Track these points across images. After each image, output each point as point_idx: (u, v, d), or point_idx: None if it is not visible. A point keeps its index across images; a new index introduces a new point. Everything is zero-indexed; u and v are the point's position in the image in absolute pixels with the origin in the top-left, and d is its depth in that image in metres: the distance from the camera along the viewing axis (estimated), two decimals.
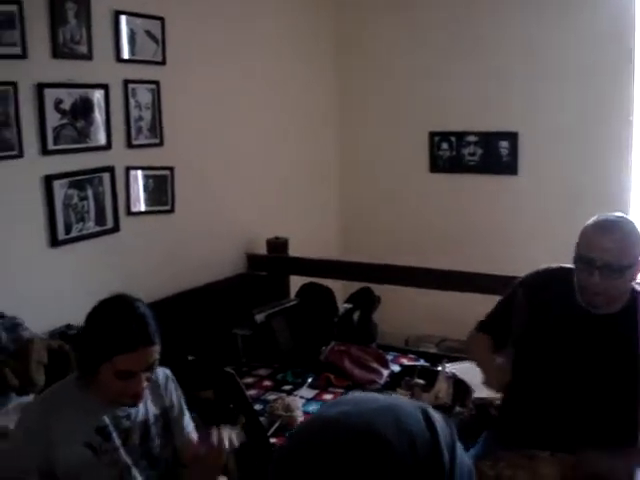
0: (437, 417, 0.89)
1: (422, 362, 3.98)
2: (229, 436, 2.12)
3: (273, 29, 4.76)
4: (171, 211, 4.06)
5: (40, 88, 3.25)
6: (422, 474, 0.82)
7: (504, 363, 2.52)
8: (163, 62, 3.91)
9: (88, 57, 3.47)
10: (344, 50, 5.42)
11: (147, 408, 2.17)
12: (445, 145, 5.18)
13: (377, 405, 0.90)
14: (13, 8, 3.08)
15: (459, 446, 0.88)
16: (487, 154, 5.03)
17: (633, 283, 2.44)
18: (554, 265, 2.61)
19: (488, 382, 2.56)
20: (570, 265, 2.46)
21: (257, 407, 3.34)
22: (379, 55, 5.31)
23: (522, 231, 4.84)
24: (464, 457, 0.88)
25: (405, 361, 4.04)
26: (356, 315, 4.32)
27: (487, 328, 2.72)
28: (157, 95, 3.90)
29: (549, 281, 2.56)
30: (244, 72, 4.52)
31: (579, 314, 2.43)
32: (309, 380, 3.77)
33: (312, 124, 5.28)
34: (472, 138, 5.07)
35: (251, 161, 4.65)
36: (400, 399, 0.94)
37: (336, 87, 5.48)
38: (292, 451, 0.88)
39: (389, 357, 4.04)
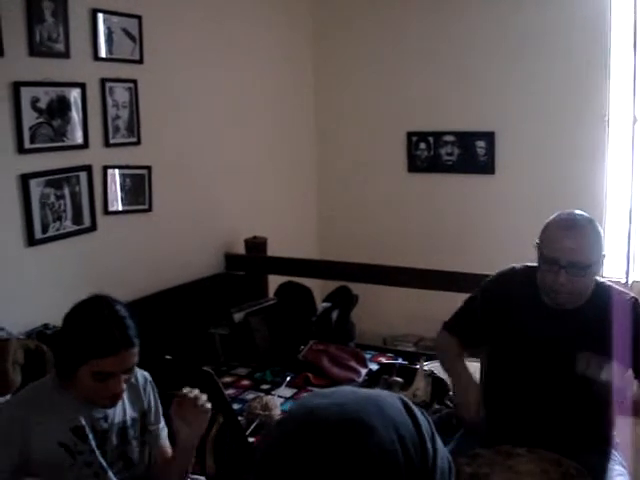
0: (416, 409, 0.90)
1: (400, 360, 3.99)
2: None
3: (251, 28, 4.76)
4: (149, 210, 4.04)
5: (16, 87, 3.23)
6: (410, 463, 0.82)
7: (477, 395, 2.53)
8: (140, 61, 3.89)
9: (65, 55, 3.45)
10: (321, 51, 5.43)
11: (125, 410, 2.16)
12: (423, 145, 5.21)
13: (358, 396, 0.90)
14: None
15: (438, 439, 0.89)
16: (464, 154, 5.06)
17: (596, 277, 2.48)
18: (518, 265, 2.64)
19: (461, 412, 2.58)
20: (535, 264, 2.50)
21: (235, 406, 3.34)
22: (356, 56, 5.32)
23: (499, 230, 4.87)
24: (444, 450, 0.89)
25: (383, 359, 4.05)
26: (334, 314, 4.33)
27: (453, 329, 2.74)
28: (134, 94, 3.88)
29: (514, 281, 2.59)
30: (222, 71, 4.51)
31: (545, 310, 2.47)
32: (287, 379, 3.77)
33: (290, 124, 5.28)
34: (449, 138, 5.10)
35: (230, 161, 4.64)
36: (377, 390, 0.95)
37: (314, 87, 5.49)
38: (280, 442, 0.88)
39: (367, 356, 4.05)
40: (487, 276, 2.76)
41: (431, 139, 5.17)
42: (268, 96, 5.00)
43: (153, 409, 2.26)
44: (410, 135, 5.23)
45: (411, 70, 5.13)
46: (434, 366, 3.56)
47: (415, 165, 5.27)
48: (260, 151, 4.95)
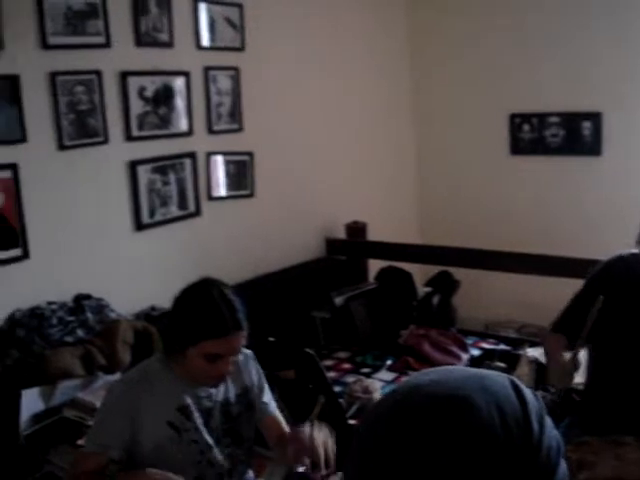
0: (526, 389, 0.87)
1: (502, 346, 3.94)
2: (324, 440, 2.13)
3: (350, 17, 4.75)
4: (251, 196, 4.11)
5: (124, 76, 3.34)
6: (510, 438, 0.80)
7: (568, 364, 2.47)
8: (242, 48, 3.95)
9: (169, 45, 3.54)
10: (420, 33, 5.36)
11: (227, 388, 2.20)
12: (526, 127, 5.09)
13: (462, 373, 0.89)
14: None
15: (548, 419, 0.86)
16: (570, 135, 4.91)
17: None
18: (625, 252, 2.55)
19: (550, 380, 2.56)
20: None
21: (336, 389, 3.35)
22: (456, 38, 5.23)
23: (606, 213, 4.72)
24: (553, 430, 0.86)
25: (485, 345, 4.01)
26: (435, 299, 4.30)
27: (559, 328, 2.66)
28: (237, 81, 3.94)
29: (621, 268, 2.51)
30: (321, 58, 4.53)
31: None
32: (388, 363, 3.78)
33: (389, 108, 5.25)
34: (554, 119, 4.97)
35: (330, 146, 4.66)
36: (484, 370, 0.93)
37: (412, 70, 5.44)
38: (377, 418, 0.88)
39: (468, 341, 4.01)
40: (593, 261, 2.68)
41: (535, 120, 5.05)
42: (367, 81, 4.98)
43: (256, 384, 2.29)
44: (513, 117, 5.12)
45: (513, 51, 5.00)
46: (538, 353, 3.49)
47: (518, 147, 5.15)
48: (360, 136, 4.94)
